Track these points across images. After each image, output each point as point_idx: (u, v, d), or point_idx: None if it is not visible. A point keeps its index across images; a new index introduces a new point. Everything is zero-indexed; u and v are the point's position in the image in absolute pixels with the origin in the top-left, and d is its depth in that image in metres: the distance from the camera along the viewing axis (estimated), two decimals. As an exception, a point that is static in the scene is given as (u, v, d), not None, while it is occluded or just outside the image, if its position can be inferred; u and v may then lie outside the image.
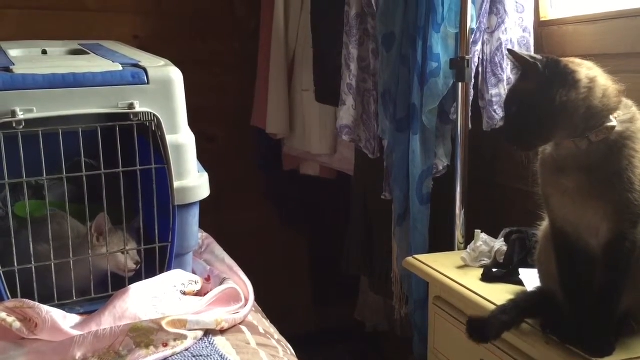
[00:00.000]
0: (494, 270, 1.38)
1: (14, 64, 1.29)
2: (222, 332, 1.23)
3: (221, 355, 1.13)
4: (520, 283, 1.30)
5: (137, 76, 1.30)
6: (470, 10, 1.58)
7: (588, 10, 1.61)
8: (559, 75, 1.00)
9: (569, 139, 1.02)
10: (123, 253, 1.32)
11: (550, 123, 1.00)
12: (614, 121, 1.01)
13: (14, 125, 1.18)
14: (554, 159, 1.06)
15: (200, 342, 1.18)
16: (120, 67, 1.31)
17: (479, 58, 1.64)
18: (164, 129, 1.29)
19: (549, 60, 1.02)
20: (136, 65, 1.34)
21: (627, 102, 1.04)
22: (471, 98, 1.64)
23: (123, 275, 1.32)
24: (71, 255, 1.27)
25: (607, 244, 1.02)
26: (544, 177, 1.09)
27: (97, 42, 1.78)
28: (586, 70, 1.02)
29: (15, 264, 1.22)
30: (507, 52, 1.06)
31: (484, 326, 1.10)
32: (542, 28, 1.69)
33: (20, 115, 1.18)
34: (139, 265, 1.33)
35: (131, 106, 1.27)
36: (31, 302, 1.16)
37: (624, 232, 1.00)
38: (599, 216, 1.01)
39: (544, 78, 1.00)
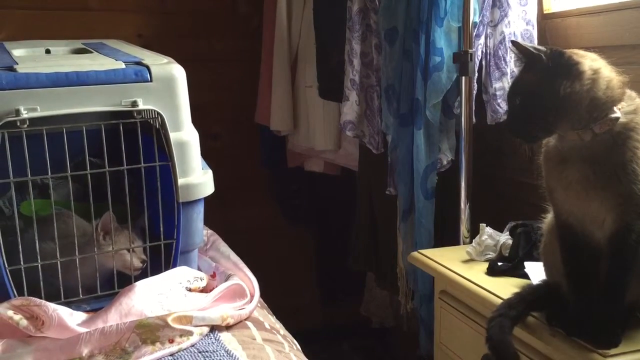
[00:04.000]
0: (500, 263, 1.38)
1: (17, 63, 1.29)
2: (228, 328, 1.24)
3: (227, 351, 1.14)
4: (525, 276, 1.30)
5: (140, 74, 1.30)
6: (473, 3, 1.58)
7: (591, 2, 1.60)
8: (563, 67, 1.00)
9: (572, 130, 1.01)
10: (129, 251, 1.32)
11: (554, 115, 1.00)
12: (617, 112, 1.00)
13: (18, 124, 1.18)
14: (557, 151, 1.05)
15: (206, 338, 1.19)
16: (123, 65, 1.32)
17: (482, 52, 1.64)
18: (168, 126, 1.30)
19: (552, 51, 1.01)
20: (139, 63, 1.34)
21: (631, 93, 1.04)
22: (475, 92, 1.64)
23: (130, 274, 1.33)
24: (77, 253, 1.27)
25: (612, 236, 1.02)
26: (548, 170, 1.08)
27: (101, 41, 1.78)
28: (590, 61, 1.01)
29: (22, 262, 1.23)
30: (510, 44, 1.05)
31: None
32: (546, 21, 1.68)
33: (24, 114, 1.19)
34: (145, 264, 1.34)
35: (134, 104, 1.28)
36: (38, 300, 1.16)
37: (629, 224, 1.00)
38: (604, 208, 1.01)
39: (547, 69, 1.00)
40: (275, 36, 2.28)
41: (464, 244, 1.64)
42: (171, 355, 1.12)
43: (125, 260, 1.32)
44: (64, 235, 1.28)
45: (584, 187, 1.02)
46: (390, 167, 1.81)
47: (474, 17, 1.59)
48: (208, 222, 1.57)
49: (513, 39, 1.61)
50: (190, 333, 1.16)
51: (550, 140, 1.07)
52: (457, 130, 1.68)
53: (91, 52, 1.55)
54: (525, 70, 1.05)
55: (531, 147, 1.10)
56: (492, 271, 1.36)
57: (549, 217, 1.16)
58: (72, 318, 1.16)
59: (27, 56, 1.51)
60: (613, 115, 1.00)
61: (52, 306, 1.15)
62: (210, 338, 1.19)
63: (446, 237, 1.72)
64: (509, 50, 1.62)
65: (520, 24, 1.64)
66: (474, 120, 1.63)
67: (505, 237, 1.44)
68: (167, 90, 1.32)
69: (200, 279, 1.34)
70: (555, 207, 1.11)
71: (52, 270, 1.26)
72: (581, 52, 1.03)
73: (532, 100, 1.01)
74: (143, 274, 1.32)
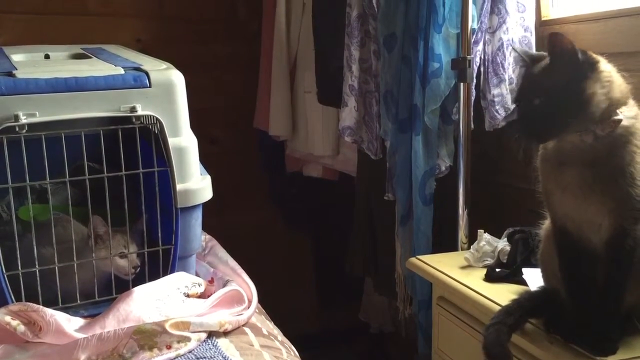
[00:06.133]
0: (497, 270, 1.38)
1: (16, 69, 1.29)
2: (226, 333, 1.24)
3: (225, 357, 1.14)
4: (523, 283, 1.30)
5: (139, 79, 1.30)
6: (471, 10, 1.58)
7: (590, 9, 1.60)
8: (588, 66, 0.99)
9: (581, 131, 1.00)
10: (121, 256, 1.32)
11: (574, 114, 0.98)
12: (620, 115, 1.00)
13: (17, 129, 1.18)
14: (556, 153, 1.05)
15: (204, 344, 1.19)
16: (122, 71, 1.32)
17: (480, 58, 1.64)
18: (166, 132, 1.30)
19: (582, 50, 1.00)
20: (138, 69, 1.34)
21: (630, 99, 1.04)
22: (473, 98, 1.64)
23: (122, 277, 1.33)
24: (75, 258, 1.27)
25: (609, 241, 1.02)
26: (545, 173, 1.08)
27: (100, 46, 1.78)
28: (604, 63, 1.01)
29: (20, 268, 1.22)
30: (549, 36, 1.01)
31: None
32: (544, 27, 1.69)
33: (23, 120, 1.19)
34: (137, 269, 1.33)
35: (133, 109, 1.28)
36: (35, 306, 1.16)
37: (626, 229, 1.00)
38: (601, 212, 1.01)
39: (578, 68, 0.98)
40: (274, 41, 2.29)
41: (462, 250, 1.64)
42: (168, 361, 1.12)
43: (117, 265, 1.32)
44: (63, 240, 1.28)
45: (582, 190, 1.01)
46: (389, 172, 1.81)
47: (472, 23, 1.59)
48: (206, 227, 1.57)
49: (511, 46, 1.62)
50: (187, 339, 1.16)
51: (549, 143, 1.07)
52: (455, 136, 1.69)
53: (90, 58, 1.56)
54: (549, 70, 1.01)
55: (529, 152, 1.10)
56: (490, 277, 1.36)
57: (547, 223, 1.16)
58: (69, 324, 1.16)
59: (26, 61, 1.52)
60: (616, 117, 1.00)
61: (49, 312, 1.15)
62: (208, 344, 1.19)
63: (444, 243, 1.72)
64: (507, 56, 1.63)
65: (518, 30, 1.64)
66: (472, 126, 1.64)
67: (503, 244, 1.45)
68: (166, 96, 1.33)
69: (198, 285, 1.34)
70: (551, 211, 1.11)
71: (50, 275, 1.26)
72: (593, 54, 1.03)
73: (556, 99, 0.99)
74: (141, 280, 1.32)
